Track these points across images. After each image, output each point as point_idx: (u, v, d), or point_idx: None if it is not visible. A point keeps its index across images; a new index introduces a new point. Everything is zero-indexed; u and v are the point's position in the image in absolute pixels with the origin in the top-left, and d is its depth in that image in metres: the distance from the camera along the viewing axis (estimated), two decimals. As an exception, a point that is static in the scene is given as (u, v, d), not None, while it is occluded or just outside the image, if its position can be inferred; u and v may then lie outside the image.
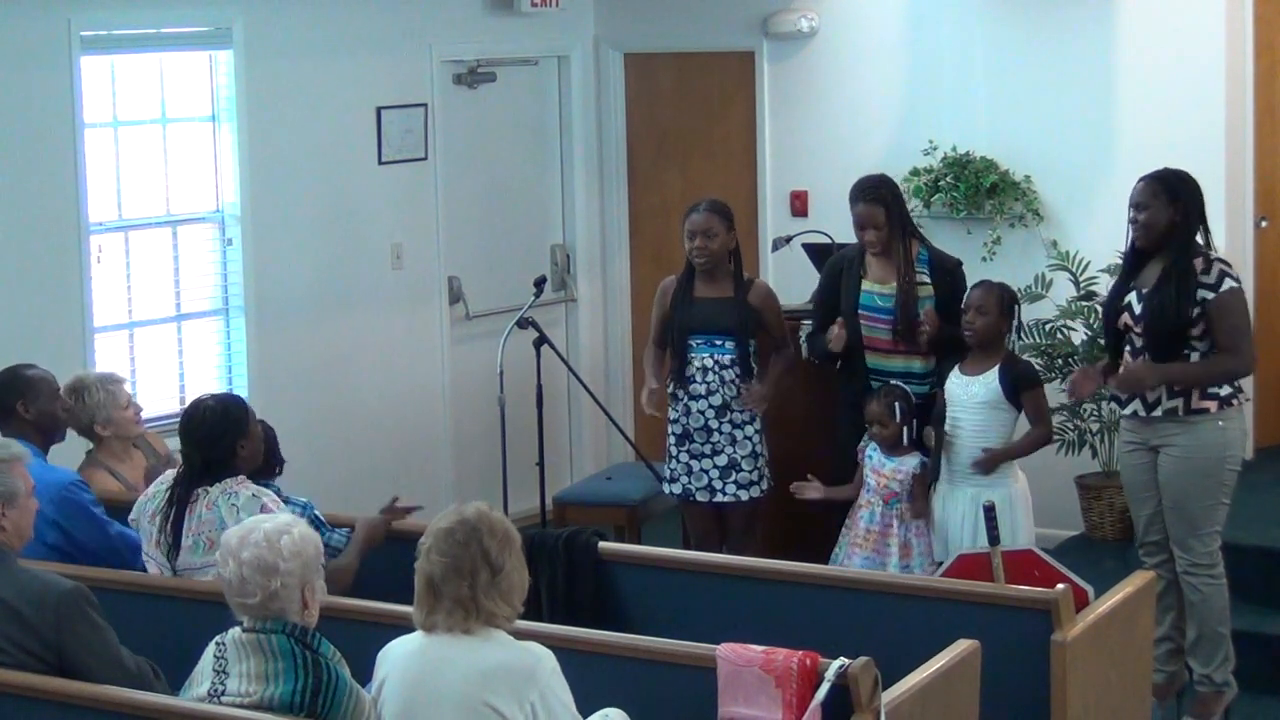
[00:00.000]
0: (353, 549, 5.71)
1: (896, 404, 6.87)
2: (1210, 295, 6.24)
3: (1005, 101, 8.77)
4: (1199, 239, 6.35)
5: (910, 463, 6.87)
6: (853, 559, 6.89)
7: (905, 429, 6.86)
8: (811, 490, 7.04)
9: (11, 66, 7.57)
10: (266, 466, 6.00)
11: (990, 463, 6.71)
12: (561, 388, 9.52)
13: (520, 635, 4.39)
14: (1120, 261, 6.65)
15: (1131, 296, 6.38)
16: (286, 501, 5.68)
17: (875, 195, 7.12)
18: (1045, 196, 8.68)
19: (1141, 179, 6.42)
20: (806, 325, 7.51)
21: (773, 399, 7.26)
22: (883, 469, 6.91)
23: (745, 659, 4.57)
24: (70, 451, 6.51)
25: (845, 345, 7.11)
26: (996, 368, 6.77)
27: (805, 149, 9.37)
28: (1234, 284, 6.29)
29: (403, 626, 4.51)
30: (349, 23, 8.80)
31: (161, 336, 8.33)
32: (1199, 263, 6.28)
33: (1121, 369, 6.32)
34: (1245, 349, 6.30)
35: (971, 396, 6.77)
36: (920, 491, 6.85)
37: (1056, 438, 7.37)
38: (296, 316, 8.65)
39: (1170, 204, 6.31)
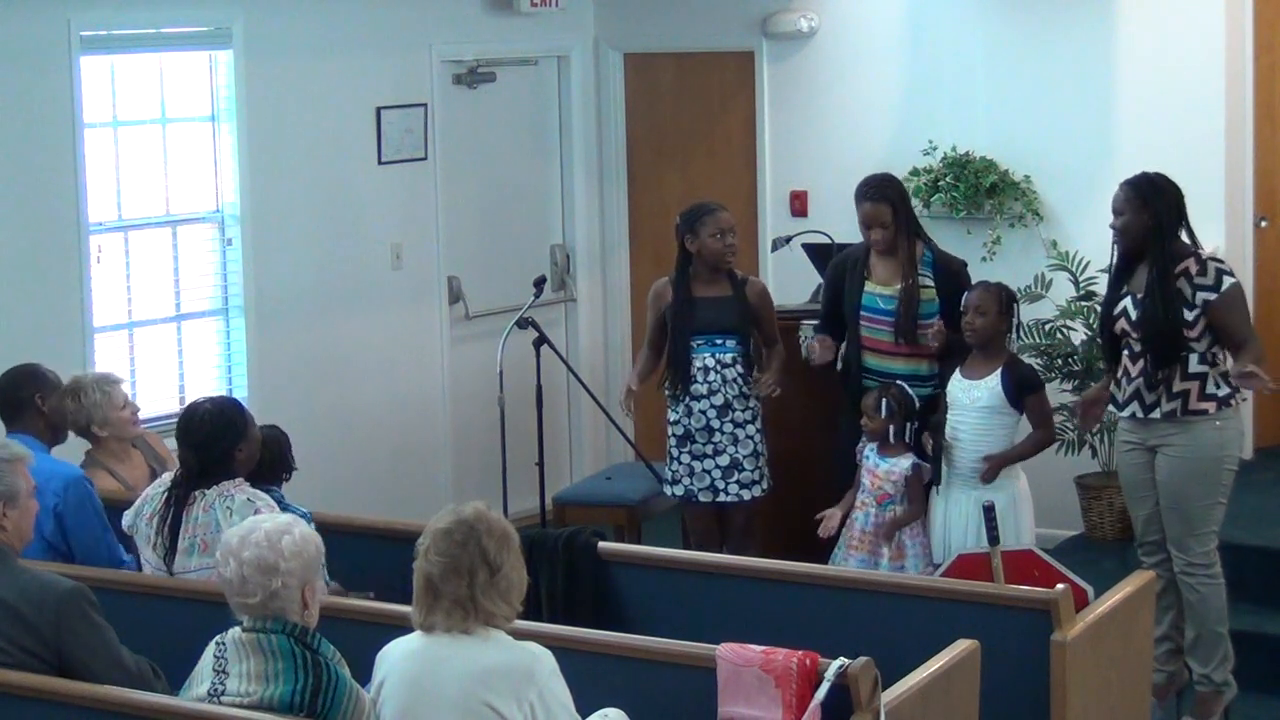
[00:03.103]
0: None
1: (886, 400, 6.86)
2: (1212, 296, 6.24)
3: (1005, 101, 8.77)
4: (1184, 239, 6.35)
5: (904, 463, 6.85)
6: (849, 561, 6.87)
7: (892, 427, 6.83)
8: (831, 521, 6.96)
9: (11, 66, 7.57)
10: (273, 472, 6.00)
11: (994, 470, 6.71)
12: (561, 388, 9.52)
13: (520, 635, 4.39)
14: (1116, 263, 6.65)
15: (1126, 301, 6.38)
16: (285, 509, 5.66)
17: (881, 193, 7.11)
18: (1045, 196, 8.68)
19: (1120, 184, 6.43)
20: (806, 326, 7.47)
21: (773, 399, 7.25)
22: (877, 470, 6.89)
23: (745, 659, 4.57)
24: (70, 452, 6.49)
25: (845, 351, 7.12)
26: (999, 371, 6.76)
27: (805, 149, 9.37)
28: (1233, 280, 6.30)
29: (402, 626, 4.51)
30: (349, 23, 8.80)
31: (161, 336, 8.33)
32: (1192, 264, 6.28)
33: (1233, 372, 6.22)
34: (1253, 331, 6.33)
35: (974, 400, 6.76)
36: (915, 494, 6.84)
37: (1056, 438, 7.37)
38: (296, 316, 8.65)
39: (1142, 209, 6.32)
